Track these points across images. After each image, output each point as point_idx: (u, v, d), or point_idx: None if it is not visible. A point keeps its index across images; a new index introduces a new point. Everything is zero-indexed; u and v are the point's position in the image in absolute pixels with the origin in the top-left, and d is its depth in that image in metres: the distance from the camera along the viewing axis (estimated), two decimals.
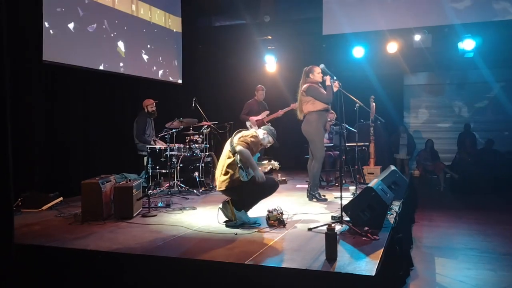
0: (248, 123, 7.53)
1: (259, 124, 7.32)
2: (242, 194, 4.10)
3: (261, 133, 4.36)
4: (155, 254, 3.21)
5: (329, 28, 8.36)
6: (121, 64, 7.07)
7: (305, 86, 5.37)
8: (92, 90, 6.64)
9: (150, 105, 6.88)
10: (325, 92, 5.27)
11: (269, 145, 4.46)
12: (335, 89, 5.12)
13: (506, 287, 3.62)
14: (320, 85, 5.40)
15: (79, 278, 3.28)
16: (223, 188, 4.10)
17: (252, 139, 4.15)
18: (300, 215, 4.61)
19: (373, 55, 9.18)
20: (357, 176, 6.38)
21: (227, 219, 4.19)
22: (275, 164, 4.66)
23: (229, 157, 4.13)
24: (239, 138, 4.13)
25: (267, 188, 4.20)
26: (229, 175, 4.06)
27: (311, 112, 5.32)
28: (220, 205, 4.28)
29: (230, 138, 4.29)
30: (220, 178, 4.13)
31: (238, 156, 4.02)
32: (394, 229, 3.88)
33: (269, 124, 7.18)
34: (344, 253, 3.13)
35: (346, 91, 5.03)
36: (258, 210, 4.21)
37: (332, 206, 5.01)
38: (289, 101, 7.24)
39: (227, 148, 4.23)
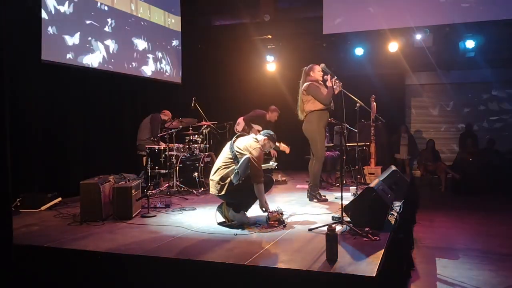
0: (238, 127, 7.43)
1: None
2: (240, 195, 4.08)
3: (261, 139, 4.31)
4: (154, 255, 3.19)
5: (329, 27, 8.33)
6: (120, 64, 7.05)
7: (305, 85, 5.33)
8: (91, 90, 6.62)
9: (167, 117, 6.91)
10: (325, 92, 5.23)
11: (270, 149, 4.44)
12: (336, 91, 5.07)
13: None
14: (321, 83, 5.37)
15: (78, 279, 3.26)
16: (222, 193, 4.07)
17: (259, 152, 4.11)
18: (300, 215, 4.58)
19: (374, 54, 9.16)
20: (358, 176, 6.36)
21: (225, 220, 4.18)
22: (273, 164, 4.64)
23: (228, 162, 4.11)
24: (252, 154, 4.03)
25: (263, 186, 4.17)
26: (228, 180, 4.04)
27: (312, 111, 5.29)
28: (217, 206, 4.27)
29: (230, 142, 4.26)
30: (218, 183, 4.10)
31: (240, 165, 4.00)
32: (395, 229, 3.86)
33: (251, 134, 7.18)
34: (344, 254, 3.10)
35: (347, 91, 5.00)
36: (258, 210, 4.20)
37: (332, 207, 4.99)
38: (289, 101, 7.20)
39: (226, 151, 4.21)
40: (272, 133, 4.42)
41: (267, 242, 3.50)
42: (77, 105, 6.36)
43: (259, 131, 7.24)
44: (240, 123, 7.41)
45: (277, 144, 4.55)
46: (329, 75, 5.06)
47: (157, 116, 6.90)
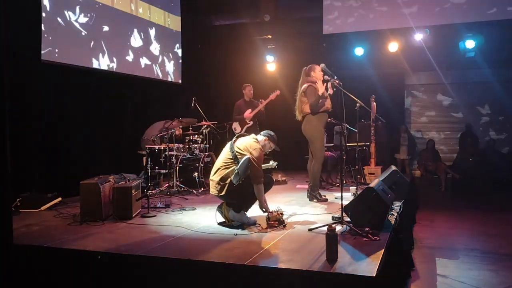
0: (233, 125, 7.49)
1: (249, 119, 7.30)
2: (240, 196, 4.09)
3: (261, 140, 4.32)
4: (154, 255, 3.19)
5: (329, 27, 8.33)
6: (121, 64, 7.05)
7: (305, 86, 5.33)
8: (91, 90, 6.62)
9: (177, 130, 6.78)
10: (316, 98, 5.19)
11: (270, 150, 4.44)
12: (330, 91, 5.08)
13: None
14: (323, 83, 5.36)
15: (78, 279, 3.26)
16: (223, 194, 4.08)
17: (260, 152, 4.12)
18: (300, 215, 4.59)
19: (374, 54, 9.16)
20: (358, 176, 6.36)
21: (225, 220, 4.18)
22: (273, 164, 4.64)
23: (228, 163, 4.12)
24: (252, 155, 4.04)
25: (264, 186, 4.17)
26: (228, 180, 4.04)
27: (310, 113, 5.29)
28: (217, 206, 4.28)
29: (230, 142, 4.26)
30: (218, 183, 4.10)
31: (240, 165, 4.00)
32: (395, 229, 3.86)
33: (251, 122, 7.26)
34: (344, 254, 3.11)
35: (347, 91, 5.00)
36: (258, 210, 4.19)
37: (332, 207, 4.99)
38: (289, 100, 7.18)
39: (226, 152, 4.21)
40: (272, 133, 4.42)
41: (267, 242, 3.50)
42: (77, 105, 6.36)
43: (250, 112, 7.32)
44: (236, 127, 7.44)
45: (271, 162, 4.62)
46: (327, 83, 5.07)
47: (172, 124, 6.87)
